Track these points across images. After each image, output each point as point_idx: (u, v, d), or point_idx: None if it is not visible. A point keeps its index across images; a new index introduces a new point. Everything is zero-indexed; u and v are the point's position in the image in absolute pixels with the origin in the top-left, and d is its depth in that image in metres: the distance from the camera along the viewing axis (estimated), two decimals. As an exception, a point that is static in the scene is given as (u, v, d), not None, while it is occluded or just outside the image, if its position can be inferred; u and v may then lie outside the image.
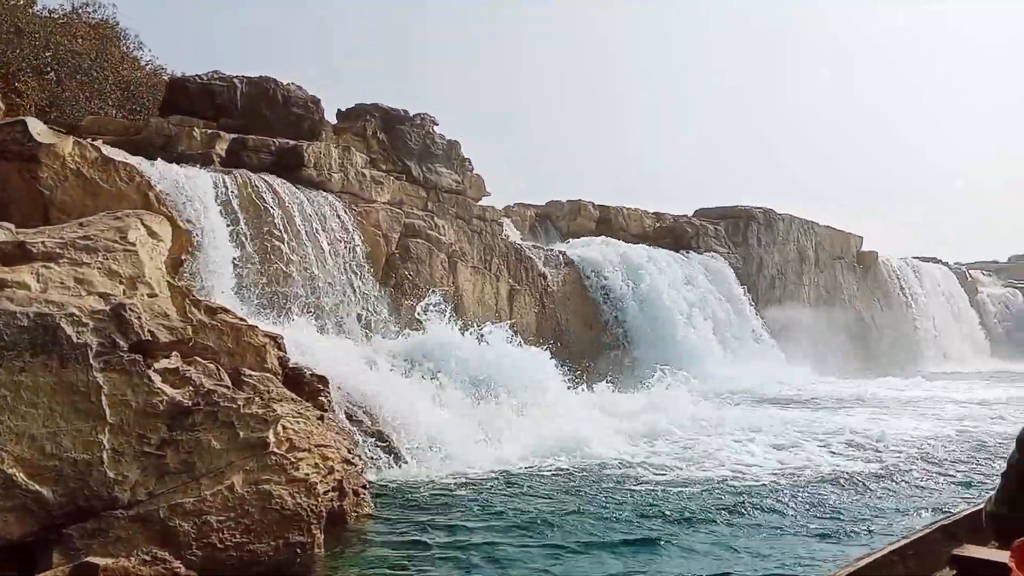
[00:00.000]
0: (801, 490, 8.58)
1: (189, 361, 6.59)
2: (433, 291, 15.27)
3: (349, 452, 7.20)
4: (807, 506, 7.94)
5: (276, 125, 16.37)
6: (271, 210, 13.89)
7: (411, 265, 16.57)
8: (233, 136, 15.40)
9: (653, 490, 8.45)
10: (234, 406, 5.68)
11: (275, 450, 5.80)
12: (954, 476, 9.44)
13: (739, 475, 9.30)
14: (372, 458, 8.51)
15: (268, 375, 7.28)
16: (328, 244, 14.67)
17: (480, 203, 19.72)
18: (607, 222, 25.76)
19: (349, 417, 8.86)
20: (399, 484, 8.27)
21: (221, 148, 15.18)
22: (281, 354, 8.07)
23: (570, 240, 23.74)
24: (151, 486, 5.32)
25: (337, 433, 7.21)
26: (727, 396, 17.67)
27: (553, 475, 9.08)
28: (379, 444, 8.69)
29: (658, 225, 26.46)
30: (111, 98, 20.88)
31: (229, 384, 6.69)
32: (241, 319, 7.61)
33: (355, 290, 15.03)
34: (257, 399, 5.89)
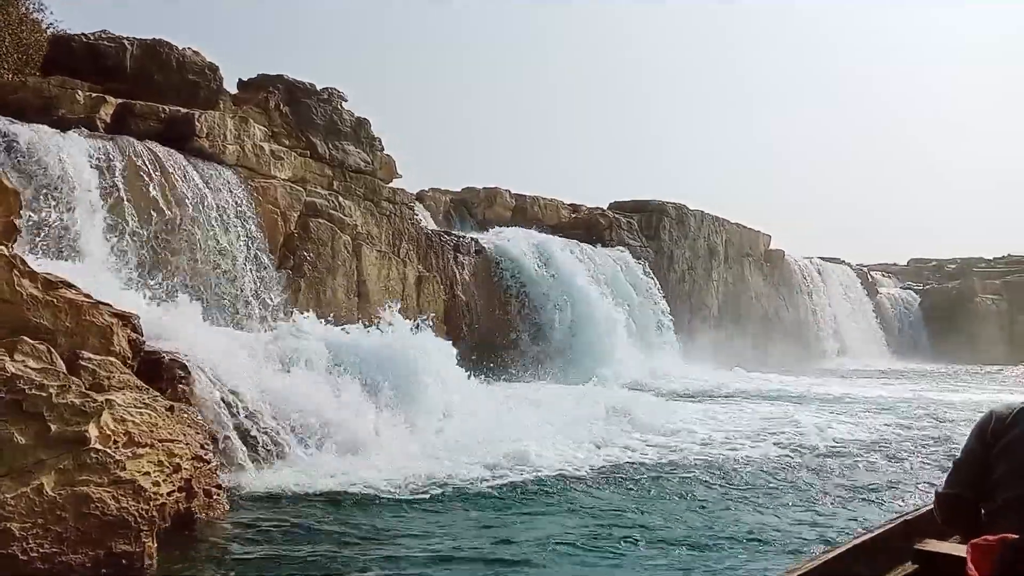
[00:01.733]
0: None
1: (10, 342, 5.67)
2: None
3: (203, 448, 6.36)
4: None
5: (169, 92, 15.18)
6: (153, 180, 12.77)
7: (311, 246, 15.61)
8: (120, 101, 14.17)
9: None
10: (44, 395, 4.81)
11: (97, 446, 4.96)
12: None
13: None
14: (237, 458, 7.66)
15: (111, 359, 6.41)
16: (219, 220, 13.62)
17: (391, 185, 18.87)
18: (523, 211, 25.26)
19: (226, 408, 7.98)
20: (269, 486, 7.45)
21: (106, 113, 13.95)
22: (135, 336, 7.17)
23: (486, 230, 23.12)
24: (-66, 488, 4.42)
25: (190, 427, 6.36)
26: (636, 389, 17.32)
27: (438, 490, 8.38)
28: (248, 440, 7.84)
29: (574, 216, 26.09)
30: (8, 61, 19.32)
31: (59, 369, 5.80)
32: (86, 296, 6.69)
33: (248, 271, 14.03)
34: (74, 387, 5.03)
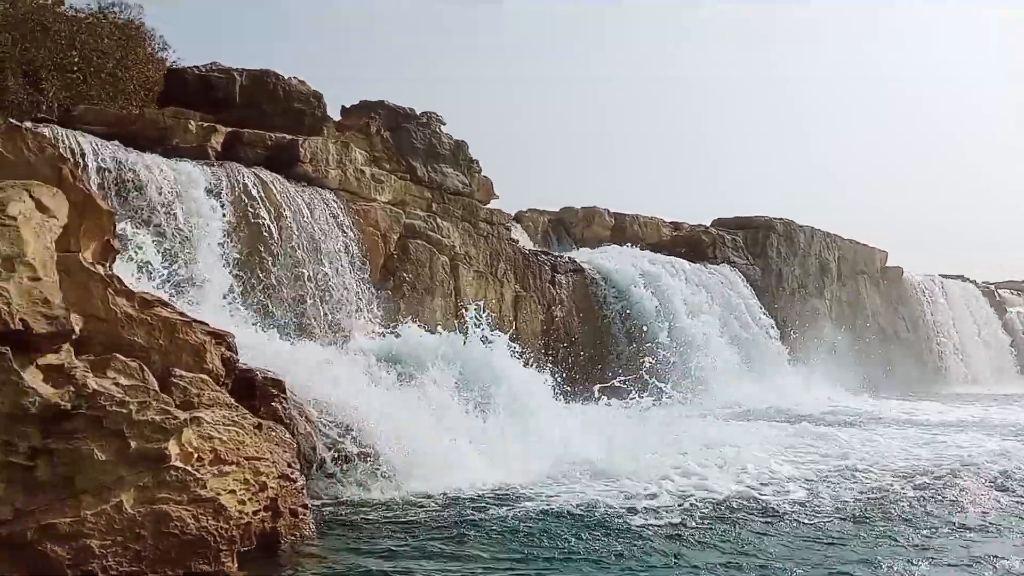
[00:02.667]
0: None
1: (102, 360, 5.71)
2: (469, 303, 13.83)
3: (290, 467, 6.24)
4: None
5: (276, 120, 15.59)
6: (259, 206, 13.07)
7: (410, 267, 15.66)
8: (230, 130, 14.64)
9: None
10: (124, 411, 4.76)
11: (177, 464, 4.87)
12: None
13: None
14: (330, 474, 7.55)
15: (202, 377, 6.38)
16: (321, 243, 13.81)
17: (488, 206, 18.80)
18: (622, 230, 24.75)
19: (312, 425, 7.91)
20: (357, 504, 7.29)
21: (216, 141, 14.42)
22: (229, 354, 7.15)
23: (583, 248, 22.76)
24: (18, 502, 4.41)
25: (277, 444, 6.26)
26: (745, 415, 16.37)
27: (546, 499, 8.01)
28: (340, 458, 7.72)
29: (675, 234, 25.39)
30: (135, 98, 20.45)
31: (150, 386, 5.80)
32: (180, 315, 6.72)
33: (349, 291, 14.15)
34: (155, 404, 4.96)
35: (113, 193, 11.86)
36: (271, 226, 12.97)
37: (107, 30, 23.15)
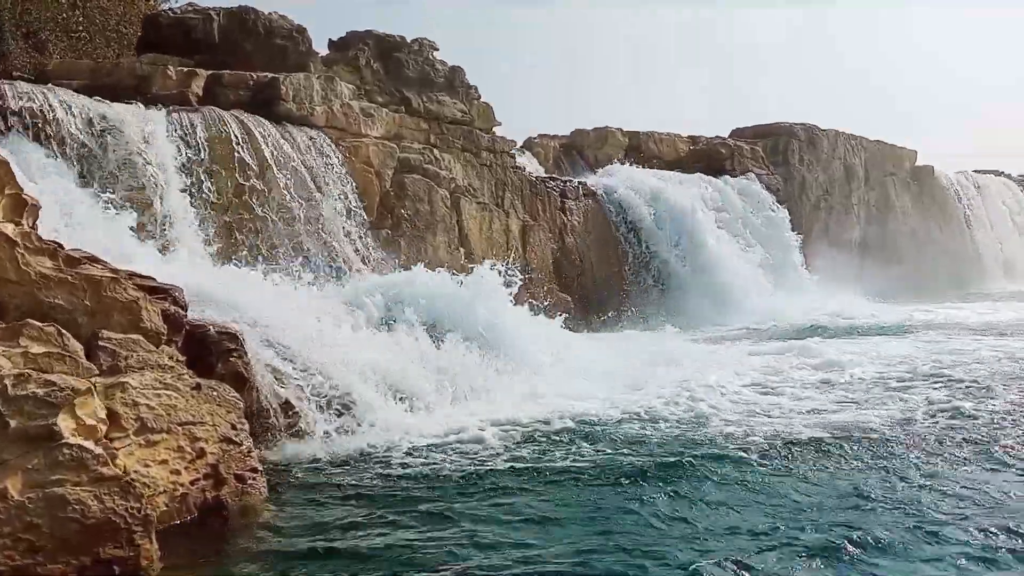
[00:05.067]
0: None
1: (12, 327, 5.09)
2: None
3: (234, 428, 5.64)
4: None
5: (258, 59, 14.70)
6: (240, 148, 12.32)
7: (408, 203, 14.87)
8: (209, 73, 13.79)
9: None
10: (-4, 387, 4.12)
11: (72, 441, 4.25)
12: None
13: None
14: (292, 431, 6.96)
15: (134, 337, 5.76)
16: (310, 183, 13.07)
17: (490, 134, 17.79)
18: (637, 149, 23.51)
19: (277, 378, 7.31)
20: (322, 462, 6.72)
21: (197, 86, 13.59)
22: (174, 309, 6.52)
23: (597, 171, 21.66)
24: None
25: (220, 405, 5.65)
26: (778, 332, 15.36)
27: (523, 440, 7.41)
28: (303, 412, 7.12)
29: (692, 149, 24.11)
30: (114, 45, 19.78)
31: (71, 351, 5.19)
32: (111, 271, 6.06)
33: (344, 232, 13.45)
34: (36, 377, 4.32)
35: (81, 146, 11.19)
36: (251, 169, 12.24)
37: (107, -13, 22.40)
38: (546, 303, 14.19)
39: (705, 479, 5.97)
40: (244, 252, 11.53)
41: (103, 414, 4.66)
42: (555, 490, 5.89)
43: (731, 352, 12.58)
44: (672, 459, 6.47)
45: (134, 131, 11.58)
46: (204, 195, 11.82)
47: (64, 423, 4.28)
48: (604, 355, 11.35)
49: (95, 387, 5.09)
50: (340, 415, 7.57)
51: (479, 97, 17.62)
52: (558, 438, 7.36)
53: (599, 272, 17.97)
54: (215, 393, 5.74)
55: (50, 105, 10.86)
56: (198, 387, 5.65)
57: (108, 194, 10.31)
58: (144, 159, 11.31)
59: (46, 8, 19.47)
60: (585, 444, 7.12)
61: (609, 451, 6.88)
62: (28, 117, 10.61)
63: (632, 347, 12.73)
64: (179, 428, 5.27)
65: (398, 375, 8.28)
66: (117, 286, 5.93)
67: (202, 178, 11.73)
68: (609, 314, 16.60)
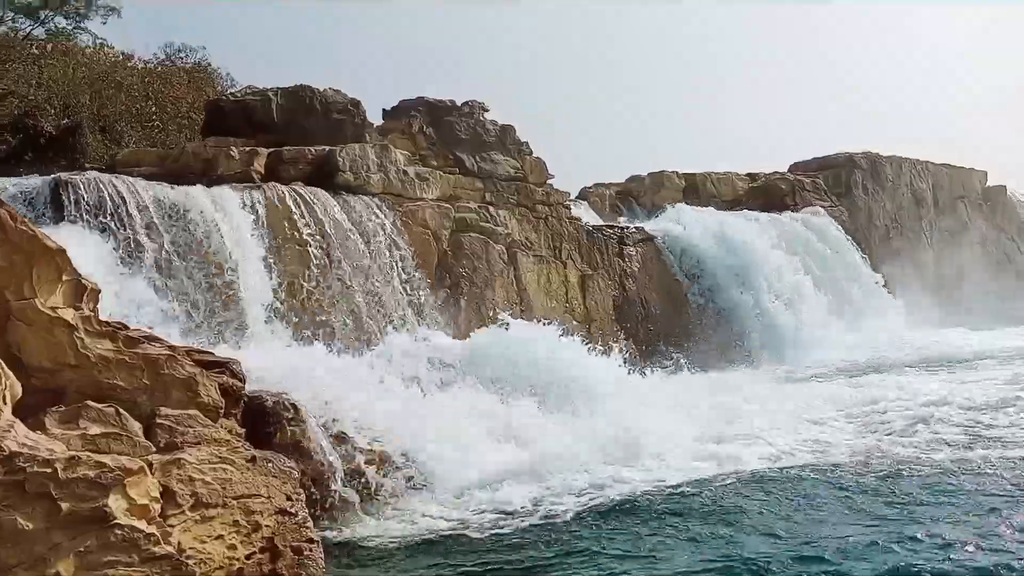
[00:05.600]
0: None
1: (72, 410, 5.23)
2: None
3: (289, 500, 5.63)
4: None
5: (317, 134, 15.16)
6: (298, 221, 12.63)
7: (466, 261, 14.97)
8: (270, 151, 14.29)
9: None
10: (48, 470, 4.19)
11: (123, 521, 4.28)
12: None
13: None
14: (353, 501, 6.89)
15: (190, 412, 5.85)
16: (368, 248, 13.28)
17: (544, 187, 17.86)
18: (695, 190, 23.24)
19: (340, 447, 7.29)
20: (384, 533, 6.62)
21: (260, 164, 14.09)
22: (232, 382, 6.61)
23: (656, 215, 21.47)
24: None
25: (275, 477, 5.65)
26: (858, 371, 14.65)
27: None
28: (365, 481, 7.06)
29: (752, 186, 23.71)
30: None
31: (130, 432, 5.30)
32: (167, 348, 6.19)
33: (401, 295, 13.56)
34: (86, 459, 4.38)
35: (155, 228, 11.65)
36: (311, 240, 12.52)
37: (177, 76, 23.69)
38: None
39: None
40: (307, 322, 11.69)
41: (156, 492, 4.71)
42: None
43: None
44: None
45: (200, 210, 11.99)
46: (267, 267, 12.11)
47: (115, 504, 4.33)
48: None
49: (151, 465, 5.17)
50: (408, 481, 7.48)
51: (531, 153, 17.77)
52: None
53: (662, 316, 17.65)
54: (270, 464, 5.75)
55: (118, 192, 11.37)
56: (253, 459, 5.67)
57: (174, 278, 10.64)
58: (208, 237, 11.68)
59: (121, 101, 20.65)
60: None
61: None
62: (97, 204, 11.12)
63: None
64: (234, 502, 5.28)
65: (464, 437, 8.17)
66: (174, 363, 6.04)
67: (264, 251, 12.03)
68: (672, 357, 16.24)
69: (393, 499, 7.14)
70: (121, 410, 5.51)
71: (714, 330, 17.63)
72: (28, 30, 23.01)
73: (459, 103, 17.14)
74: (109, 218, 10.82)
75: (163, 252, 11.15)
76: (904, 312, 20.58)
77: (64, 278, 5.67)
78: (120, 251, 10.93)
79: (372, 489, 7.10)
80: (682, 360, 15.75)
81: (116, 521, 4.28)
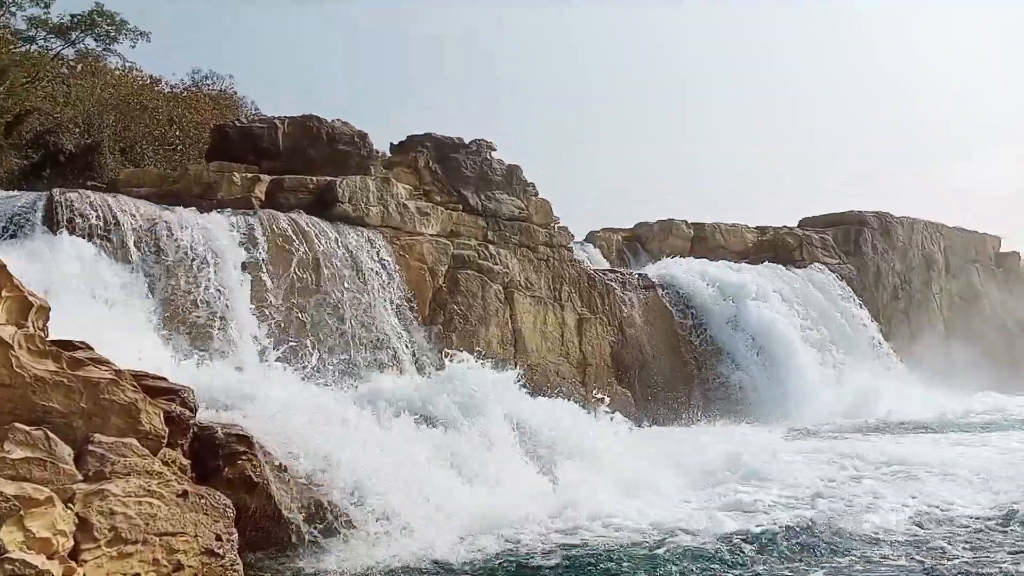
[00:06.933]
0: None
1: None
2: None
3: (218, 540, 5.24)
4: None
5: (322, 164, 15.03)
6: (294, 249, 12.41)
7: (461, 299, 14.65)
8: (271, 178, 14.15)
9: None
10: (-70, 501, 3.85)
11: (16, 556, 3.92)
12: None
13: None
14: (310, 540, 6.48)
15: (125, 441, 5.50)
16: (362, 281, 13.01)
17: (548, 229, 17.57)
18: (703, 240, 22.86)
19: (289, 485, 6.89)
20: (335, 570, 6.20)
21: (260, 191, 13.96)
22: (180, 411, 6.27)
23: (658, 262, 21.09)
24: None
25: (206, 514, 5.27)
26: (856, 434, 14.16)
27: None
28: (319, 520, 6.65)
29: (761, 239, 23.32)
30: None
31: (57, 458, 4.96)
32: (112, 373, 5.87)
33: (395, 330, 13.24)
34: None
35: (147, 250, 11.47)
36: (306, 267, 12.27)
37: (202, 102, 23.87)
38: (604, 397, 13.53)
39: None
40: (293, 347, 11.39)
41: (66, 525, 4.35)
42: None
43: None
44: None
45: (190, 232, 11.79)
46: (258, 292, 11.86)
47: (8, 536, 3.97)
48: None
49: (73, 495, 4.82)
50: (371, 521, 7.06)
51: (536, 193, 17.53)
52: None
53: (661, 365, 17.18)
54: (203, 500, 5.38)
55: (111, 210, 11.21)
56: (184, 494, 5.31)
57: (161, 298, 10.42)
58: (200, 260, 11.47)
59: (145, 123, 20.77)
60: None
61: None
62: (91, 221, 10.98)
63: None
64: (156, 539, 4.91)
65: (426, 478, 7.79)
66: (116, 388, 5.72)
67: (261, 276, 11.80)
68: (670, 408, 15.76)
69: (351, 531, 6.71)
70: (51, 434, 5.19)
71: (712, 382, 17.12)
72: (58, 50, 23.27)
73: (467, 141, 17.00)
74: (100, 238, 10.71)
75: (150, 272, 11.00)
76: (911, 378, 19.94)
77: (4, 294, 5.40)
78: (109, 270, 10.79)
79: (328, 523, 6.68)
80: (682, 412, 15.31)
81: (7, 555, 3.92)
